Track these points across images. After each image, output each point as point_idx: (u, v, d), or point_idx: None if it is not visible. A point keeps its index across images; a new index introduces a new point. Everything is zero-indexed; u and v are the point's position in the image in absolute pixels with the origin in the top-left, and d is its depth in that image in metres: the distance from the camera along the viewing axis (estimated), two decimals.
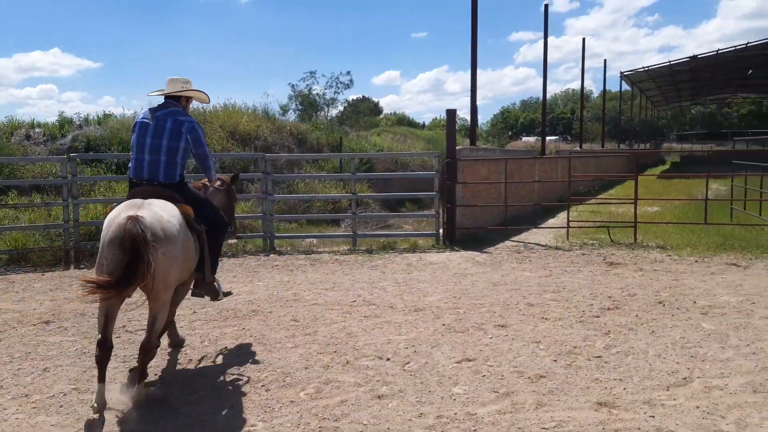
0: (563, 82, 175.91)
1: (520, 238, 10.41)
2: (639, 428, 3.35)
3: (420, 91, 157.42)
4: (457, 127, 11.55)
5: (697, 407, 3.60)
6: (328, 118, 31.07)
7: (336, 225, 12.90)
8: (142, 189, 4.07)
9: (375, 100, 67.30)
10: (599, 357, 4.46)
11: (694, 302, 5.96)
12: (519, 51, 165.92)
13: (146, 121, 4.23)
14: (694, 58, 38.49)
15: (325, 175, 13.79)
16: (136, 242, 3.40)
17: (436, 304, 6.09)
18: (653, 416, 3.48)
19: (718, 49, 38.26)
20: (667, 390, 3.86)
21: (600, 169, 22.64)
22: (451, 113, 10.44)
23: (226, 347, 4.95)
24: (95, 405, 3.45)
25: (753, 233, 9.78)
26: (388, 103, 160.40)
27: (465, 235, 10.19)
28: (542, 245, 9.65)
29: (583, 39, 34.57)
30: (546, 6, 23.55)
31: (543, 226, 11.59)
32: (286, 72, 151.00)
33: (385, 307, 6.03)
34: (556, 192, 16.04)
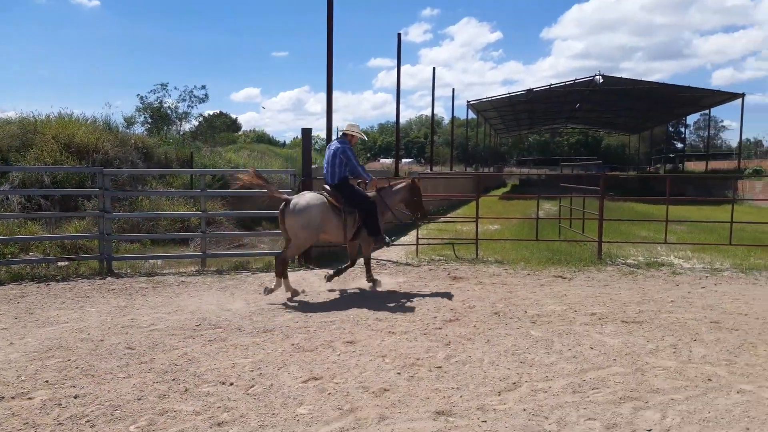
0: (418, 108, 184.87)
1: (373, 255, 10.64)
2: None
3: (281, 110, 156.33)
4: (318, 147, 11.58)
5: (524, 410, 3.88)
6: (181, 133, 29.67)
7: (185, 245, 12.24)
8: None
9: (233, 116, 65.44)
10: (439, 367, 4.65)
11: (525, 312, 6.47)
12: (377, 77, 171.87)
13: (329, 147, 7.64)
14: (530, 91, 42.45)
15: (172, 191, 13.04)
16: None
17: (287, 324, 5.98)
18: (485, 421, 3.69)
19: (551, 84, 42.58)
20: (499, 395, 4.12)
21: (449, 190, 24.02)
22: (307, 132, 10.45)
23: (46, 381, 4.43)
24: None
25: (576, 248, 10.90)
26: (247, 120, 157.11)
27: (322, 253, 10.18)
28: (393, 261, 9.94)
29: (434, 68, 36.71)
30: (399, 35, 24.69)
31: (395, 243, 11.96)
32: (134, 83, 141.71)
33: (233, 330, 5.80)
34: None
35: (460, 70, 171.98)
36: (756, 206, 27.08)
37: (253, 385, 4.33)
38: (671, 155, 64.23)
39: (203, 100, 31.19)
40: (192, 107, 31.21)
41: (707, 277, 8.80)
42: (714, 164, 50.31)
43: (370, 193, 7.66)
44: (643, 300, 7.15)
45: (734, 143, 55.90)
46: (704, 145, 65.18)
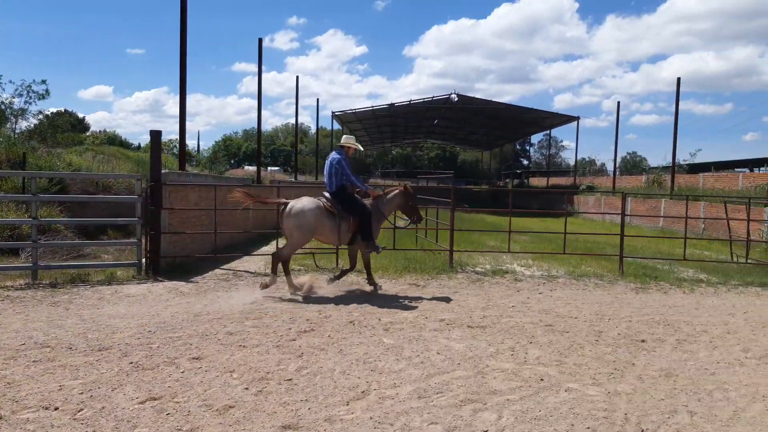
0: (285, 116, 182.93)
1: (231, 266, 10.26)
2: None
3: (136, 111, 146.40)
4: (174, 151, 10.91)
5: (371, 418, 3.91)
6: (17, 132, 26.58)
7: (15, 255, 10.94)
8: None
9: (80, 115, 60.08)
10: (290, 380, 4.56)
11: (379, 320, 6.58)
12: (242, 81, 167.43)
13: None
14: (392, 105, 43.81)
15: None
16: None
17: (126, 341, 5.53)
18: None
19: (411, 100, 44.24)
20: (347, 404, 4.12)
21: None
22: (156, 135, 9.83)
23: None
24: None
25: (431, 257, 11.37)
26: (98, 120, 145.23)
27: (171, 264, 9.61)
28: (252, 272, 9.66)
29: (297, 77, 36.62)
30: (260, 40, 24.28)
31: (255, 253, 11.64)
32: None
33: (62, 349, 5.24)
34: (272, 220, 16.35)
35: (327, 81, 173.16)
36: (588, 219, 30.18)
37: (81, 409, 3.93)
38: (518, 171, 69.62)
39: (44, 96, 28.16)
40: (30, 103, 28.08)
41: (544, 283, 9.60)
42: (554, 180, 55.38)
43: (367, 202, 8.30)
44: (488, 306, 7.61)
45: (572, 161, 62.10)
46: (546, 163, 71.55)
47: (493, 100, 46.92)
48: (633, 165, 78.94)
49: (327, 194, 8.14)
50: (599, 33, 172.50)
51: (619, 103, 41.86)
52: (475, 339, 5.94)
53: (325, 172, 8.23)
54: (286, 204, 8.01)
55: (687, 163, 42.51)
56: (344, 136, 8.47)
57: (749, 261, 12.26)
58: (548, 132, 56.87)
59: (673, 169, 30.25)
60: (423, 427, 3.80)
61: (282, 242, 9.10)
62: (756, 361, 5.55)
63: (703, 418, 4.11)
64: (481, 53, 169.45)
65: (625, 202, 11.82)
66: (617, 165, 46.27)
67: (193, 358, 5.04)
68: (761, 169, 41.85)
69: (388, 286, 8.78)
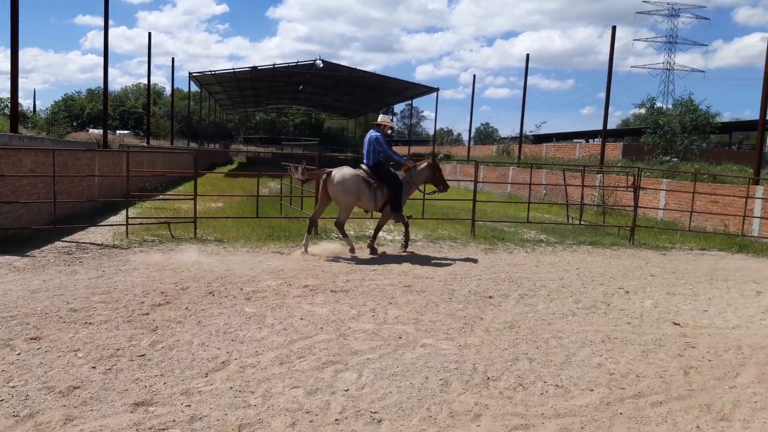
0: (137, 75, 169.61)
1: (74, 238, 9.42)
2: (174, 420, 3.36)
3: None
4: (6, 111, 9.62)
5: (231, 388, 3.85)
6: None
7: None
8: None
9: None
10: (143, 356, 4.33)
11: (241, 289, 6.46)
12: (87, 36, 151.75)
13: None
14: (254, 68, 42.27)
15: None
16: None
17: None
18: (189, 405, 3.56)
19: (275, 64, 43.03)
20: (206, 376, 4.01)
21: (169, 166, 22.61)
22: None
23: None
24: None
25: (296, 224, 11.30)
26: None
27: (3, 237, 8.60)
28: (98, 244, 8.95)
29: (149, 33, 33.91)
30: None
31: (102, 224, 10.79)
32: None
33: None
34: (121, 188, 15.19)
35: (183, 40, 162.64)
36: None
37: None
38: None
39: None
40: None
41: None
42: (416, 149, 57.31)
43: (401, 174, 9.29)
44: (351, 270, 7.77)
45: (432, 131, 64.59)
46: (408, 132, 73.71)
47: (358, 68, 47.11)
48: (486, 135, 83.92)
49: (364, 166, 9.12)
50: (459, 7, 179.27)
51: (474, 76, 44.18)
52: (338, 303, 6.05)
53: (364, 148, 9.25)
54: (329, 173, 8.91)
55: (533, 134, 46.08)
56: (381, 115, 9.47)
57: (582, 222, 13.70)
58: (410, 102, 58.44)
59: (521, 139, 32.66)
60: (285, 392, 3.82)
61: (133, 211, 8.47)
62: (585, 311, 6.25)
63: (540, 363, 4.57)
64: (346, 19, 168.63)
65: (477, 170, 12.56)
66: (472, 135, 48.90)
67: (31, 339, 4.60)
68: (595, 140, 46.56)
69: (250, 256, 8.61)
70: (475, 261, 8.94)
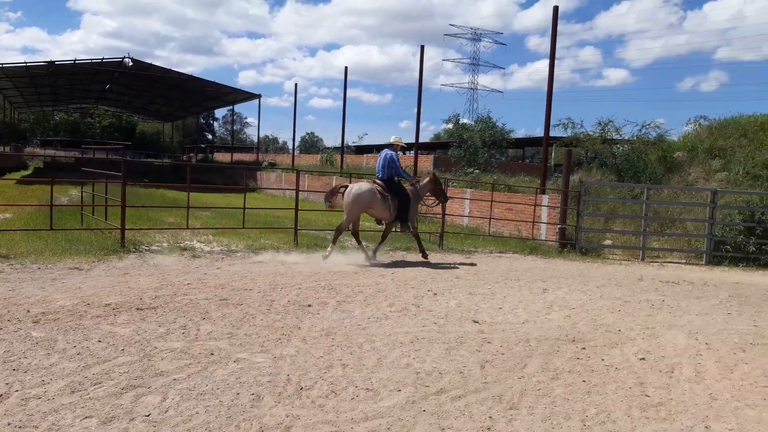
0: None
1: None
2: None
3: None
4: None
5: (9, 424, 3.38)
6: None
7: None
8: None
9: None
10: None
11: (28, 311, 5.70)
12: None
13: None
14: (51, 63, 37.93)
15: None
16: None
17: None
18: None
19: (75, 59, 39.01)
20: None
21: None
22: None
23: None
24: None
25: (99, 237, 10.31)
26: None
27: None
28: None
29: None
30: None
31: None
32: None
33: None
34: None
35: None
36: (271, 194, 31.33)
37: None
38: (203, 145, 68.06)
39: None
40: None
41: (223, 258, 9.65)
42: (239, 156, 55.87)
43: (408, 188, 10.68)
44: (161, 285, 7.29)
45: (257, 138, 63.40)
46: (231, 138, 71.53)
47: (174, 69, 44.60)
48: (311, 144, 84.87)
49: (379, 180, 10.40)
50: (281, 15, 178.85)
51: (296, 84, 44.20)
52: (144, 321, 5.62)
53: (378, 164, 10.56)
54: (345, 186, 10.38)
55: (355, 144, 47.55)
56: (393, 136, 10.82)
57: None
58: (231, 107, 56.83)
59: (342, 149, 33.58)
60: (75, 423, 3.45)
61: None
62: (398, 314, 6.58)
63: (353, 368, 4.70)
64: (161, 18, 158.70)
65: (299, 179, 12.62)
66: (297, 144, 49.02)
67: None
68: (410, 152, 49.33)
69: (42, 273, 7.66)
70: (296, 270, 8.94)
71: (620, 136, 21.61)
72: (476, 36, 79.30)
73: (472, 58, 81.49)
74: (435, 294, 7.81)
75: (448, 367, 4.87)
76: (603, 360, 5.33)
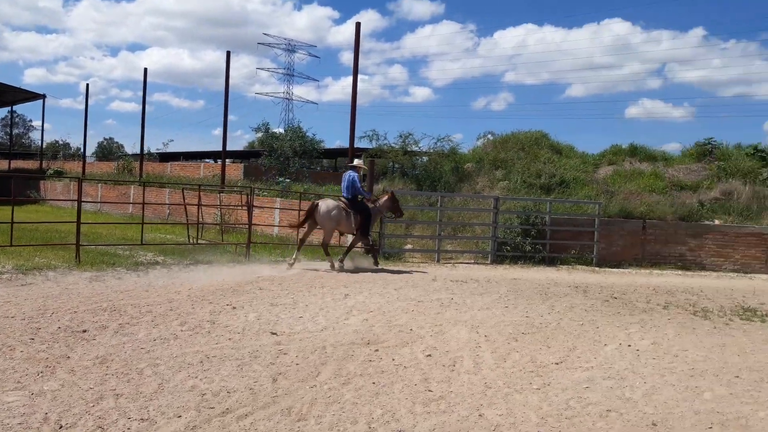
0: None
1: None
2: None
3: None
4: None
5: None
6: None
7: None
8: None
9: None
10: None
11: None
12: None
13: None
14: None
15: None
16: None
17: None
18: None
19: None
20: None
21: None
22: None
23: None
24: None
25: None
26: None
27: None
28: None
29: None
30: None
31: None
32: None
33: None
34: None
35: None
36: (57, 206, 27.87)
37: None
38: None
39: None
40: None
41: None
42: (18, 163, 48.92)
43: (371, 205, 12.26)
44: None
45: (44, 143, 55.93)
46: (10, 143, 62.41)
47: None
48: (110, 151, 77.42)
49: (343, 198, 11.82)
50: (77, 10, 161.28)
51: (88, 85, 40.08)
52: None
53: (342, 185, 12.01)
54: (317, 204, 11.69)
55: (159, 152, 44.53)
56: (356, 159, 12.75)
57: (201, 241, 13.74)
58: (11, 108, 49.61)
59: (141, 157, 31.14)
60: None
61: None
62: (190, 332, 6.16)
63: (129, 398, 4.25)
64: None
65: (81, 188, 11.36)
66: (93, 150, 44.44)
67: None
68: (219, 160, 47.63)
69: None
70: (74, 291, 7.95)
71: (419, 148, 23.14)
72: (291, 47, 79.22)
73: (287, 69, 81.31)
74: (234, 308, 7.50)
75: (238, 385, 4.65)
76: (393, 360, 5.53)
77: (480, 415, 4.30)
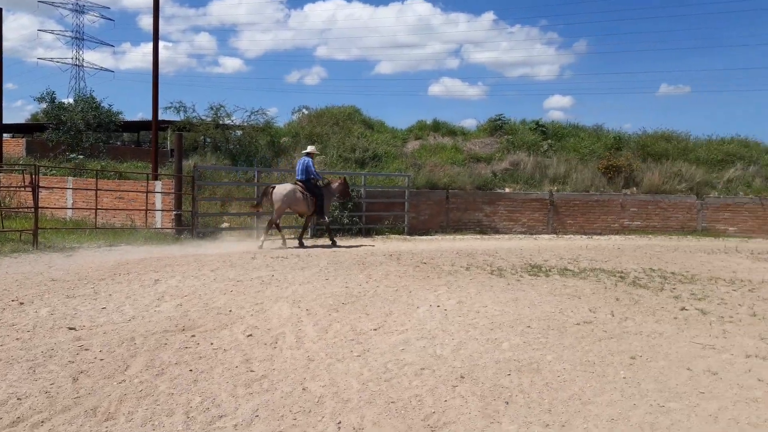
0: None
1: None
2: None
3: None
4: None
5: None
6: None
7: None
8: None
9: None
10: None
11: None
12: None
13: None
14: None
15: None
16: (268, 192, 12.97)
17: None
18: None
19: None
20: None
21: None
22: None
23: None
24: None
25: None
26: None
27: None
28: None
29: None
30: None
31: None
32: None
33: None
34: None
35: None
36: None
37: None
38: None
39: None
40: None
41: None
42: None
43: (323, 188, 13.40)
44: None
45: None
46: None
47: None
48: None
49: (299, 182, 13.05)
50: None
51: None
52: None
53: (297, 168, 13.36)
54: (273, 186, 12.95)
55: None
56: (309, 146, 13.99)
57: None
58: None
59: None
60: None
61: None
62: None
63: None
64: None
65: None
66: None
67: None
68: None
69: None
70: None
71: (232, 121, 22.27)
72: (79, 7, 70.08)
73: (76, 32, 71.96)
74: (21, 303, 6.57)
75: (31, 390, 4.09)
76: (212, 344, 5.30)
77: (303, 389, 4.32)
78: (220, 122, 21.95)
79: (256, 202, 13.52)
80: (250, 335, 5.61)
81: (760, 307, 7.42)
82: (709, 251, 14.07)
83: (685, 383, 4.61)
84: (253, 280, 8.36)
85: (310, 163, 13.17)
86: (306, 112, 25.34)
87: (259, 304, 6.89)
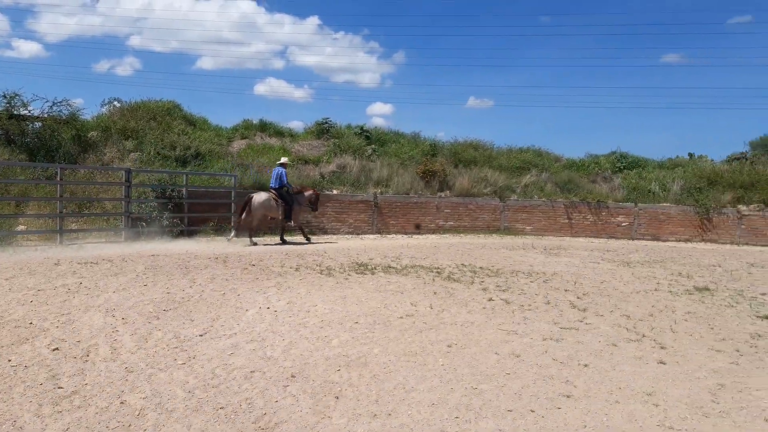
0: None
1: None
2: None
3: None
4: None
5: None
6: None
7: None
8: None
9: None
10: None
11: None
12: None
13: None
14: None
15: None
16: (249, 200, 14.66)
17: None
18: None
19: None
20: None
21: None
22: None
23: None
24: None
25: None
26: None
27: None
28: None
29: None
30: None
31: None
32: None
33: None
34: None
35: None
36: None
37: None
38: None
39: None
40: None
41: None
42: None
43: (294, 196, 15.12)
44: None
45: None
46: None
47: None
48: None
49: (273, 190, 14.74)
50: None
51: None
52: None
53: (272, 177, 14.96)
54: (251, 197, 14.54)
55: None
56: (283, 157, 16.19)
57: None
58: None
59: None
60: None
61: None
62: None
63: None
64: None
65: None
66: None
67: None
68: None
69: None
70: None
71: (29, 112, 19.69)
72: None
73: None
74: None
75: None
76: (10, 361, 4.69)
77: (122, 403, 4.02)
78: (15, 112, 19.28)
79: (243, 215, 14.60)
80: (56, 348, 5.06)
81: (552, 295, 8.52)
82: (511, 248, 15.76)
83: (494, 366, 5.14)
84: (57, 289, 7.52)
85: (283, 173, 14.87)
86: (118, 105, 23.29)
87: (66, 314, 6.23)
